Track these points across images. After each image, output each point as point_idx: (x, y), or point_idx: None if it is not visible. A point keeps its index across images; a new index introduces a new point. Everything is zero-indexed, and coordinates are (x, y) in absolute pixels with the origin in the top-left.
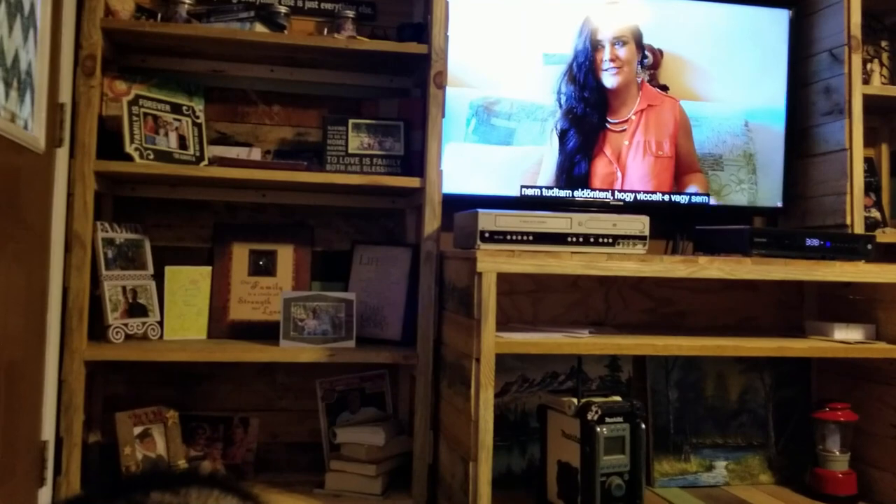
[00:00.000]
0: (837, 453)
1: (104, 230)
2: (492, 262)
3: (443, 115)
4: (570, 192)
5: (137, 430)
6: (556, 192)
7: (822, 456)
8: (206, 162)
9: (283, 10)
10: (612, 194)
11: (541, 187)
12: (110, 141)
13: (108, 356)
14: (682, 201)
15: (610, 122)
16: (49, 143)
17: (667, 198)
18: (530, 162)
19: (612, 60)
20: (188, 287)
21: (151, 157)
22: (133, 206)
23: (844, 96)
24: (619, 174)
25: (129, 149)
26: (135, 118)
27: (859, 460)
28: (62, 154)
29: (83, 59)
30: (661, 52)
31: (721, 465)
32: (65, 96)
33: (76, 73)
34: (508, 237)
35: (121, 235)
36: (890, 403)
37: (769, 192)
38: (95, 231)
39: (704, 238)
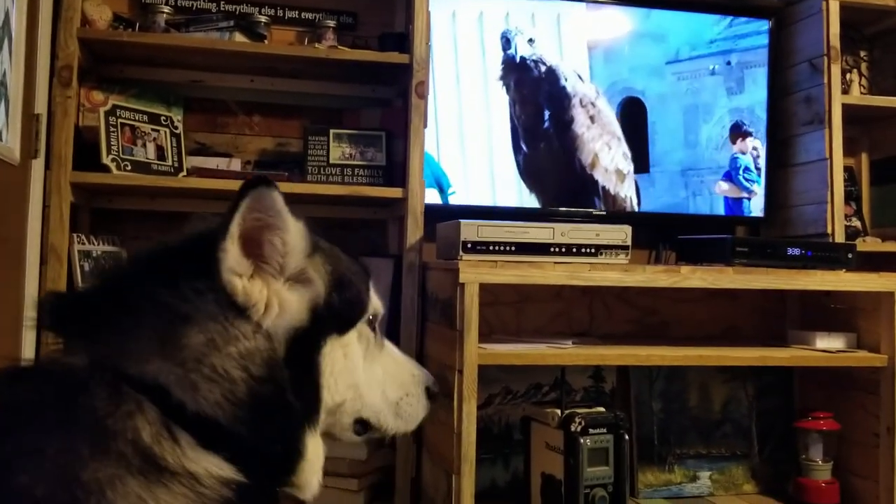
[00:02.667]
0: (820, 462)
1: (81, 242)
2: (474, 273)
3: (425, 125)
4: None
5: None
6: (538, 203)
7: (804, 465)
8: (184, 173)
9: (263, 19)
10: (595, 204)
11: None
12: (87, 152)
13: None
14: (664, 211)
15: None
16: (24, 155)
17: (649, 207)
18: None
19: None
20: None
21: (129, 168)
22: (111, 218)
23: (824, 106)
24: None
25: (106, 160)
26: (112, 129)
27: (842, 469)
28: (38, 165)
29: (59, 69)
30: None
31: (705, 475)
32: (40, 107)
33: (52, 83)
34: (491, 247)
35: (98, 248)
36: (872, 412)
37: None
38: (72, 243)
39: (687, 248)
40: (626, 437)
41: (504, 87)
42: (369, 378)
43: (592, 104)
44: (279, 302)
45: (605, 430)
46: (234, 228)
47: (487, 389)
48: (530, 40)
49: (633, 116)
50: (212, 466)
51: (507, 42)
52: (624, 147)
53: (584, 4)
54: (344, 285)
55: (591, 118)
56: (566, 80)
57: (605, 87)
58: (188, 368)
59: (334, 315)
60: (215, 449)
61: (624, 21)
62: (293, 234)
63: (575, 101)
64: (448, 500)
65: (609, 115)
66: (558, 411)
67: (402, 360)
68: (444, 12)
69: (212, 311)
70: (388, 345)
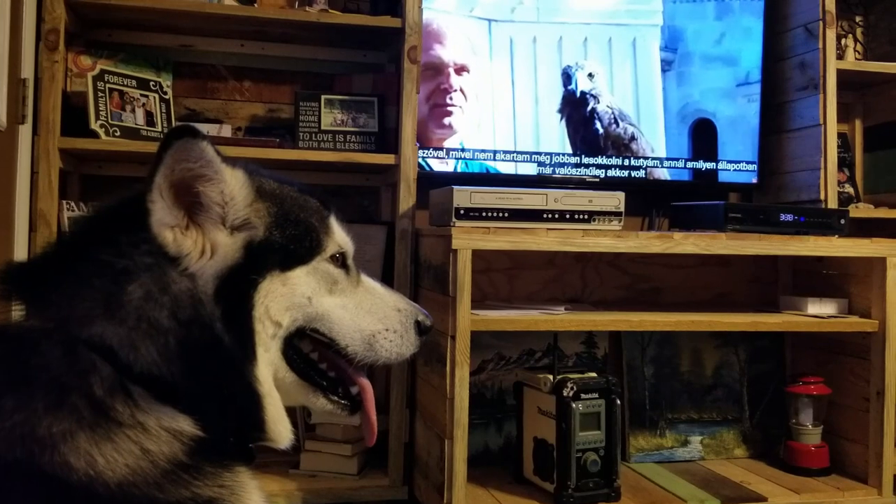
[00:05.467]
0: (810, 426)
1: (70, 209)
2: (467, 240)
3: (417, 91)
4: (545, 168)
5: None
6: (531, 170)
7: (795, 429)
8: None
9: None
10: (588, 170)
11: (517, 163)
12: (75, 117)
13: None
14: (658, 177)
15: None
16: (11, 120)
17: (642, 174)
18: None
19: None
20: None
21: (118, 133)
22: (101, 185)
23: (819, 72)
24: None
25: (95, 125)
26: (100, 94)
27: (832, 433)
28: (25, 131)
29: (46, 33)
30: None
31: (696, 439)
32: (27, 71)
33: (39, 47)
34: (484, 214)
35: None
36: (862, 376)
37: None
38: (61, 210)
39: (680, 214)
40: (618, 401)
41: (560, 119)
42: (334, 309)
43: (625, 146)
44: (212, 247)
45: (596, 395)
46: (160, 179)
47: (480, 355)
48: (590, 75)
49: (704, 137)
50: (164, 418)
51: (567, 78)
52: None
53: (657, 28)
54: (288, 223)
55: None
56: (599, 121)
57: (678, 109)
58: (129, 327)
59: (274, 252)
60: (170, 402)
61: (696, 44)
62: (230, 185)
63: (608, 143)
64: (441, 465)
65: (648, 157)
66: (551, 377)
67: (385, 296)
68: (526, 35)
69: (147, 263)
70: (370, 282)
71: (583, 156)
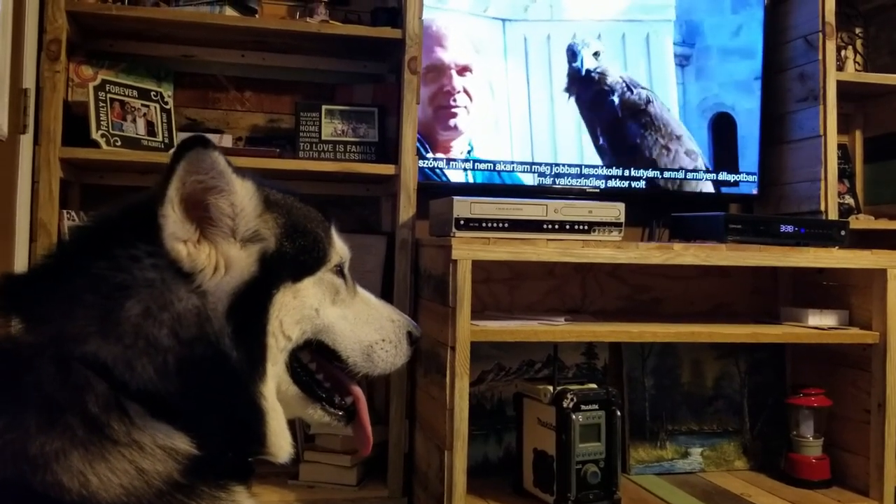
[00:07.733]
0: (811, 438)
1: (71, 219)
2: (467, 250)
3: (417, 102)
4: (546, 179)
5: None
6: (532, 180)
7: (796, 441)
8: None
9: None
10: (589, 181)
11: (519, 174)
12: (77, 127)
13: None
14: (658, 188)
15: None
16: (12, 130)
17: (643, 184)
18: None
19: None
20: None
21: (118, 143)
22: (101, 195)
23: (819, 83)
24: None
25: (96, 135)
26: (101, 104)
27: (833, 445)
28: (26, 141)
29: (47, 43)
30: None
31: (697, 451)
32: (28, 81)
33: (40, 57)
34: (484, 224)
35: None
36: (863, 388)
37: None
38: (62, 219)
39: (680, 225)
40: (618, 413)
41: (568, 98)
42: (337, 320)
43: (643, 111)
44: (226, 261)
45: (597, 407)
46: (173, 192)
47: (480, 366)
48: (596, 54)
49: (724, 131)
50: (160, 435)
51: (572, 55)
52: (687, 145)
53: (671, 24)
54: (297, 234)
55: (644, 126)
56: (613, 92)
57: (697, 103)
58: (125, 344)
59: (286, 264)
60: (167, 419)
61: (714, 38)
62: (241, 196)
63: (625, 113)
64: (440, 476)
65: (665, 117)
66: (551, 388)
67: (379, 306)
68: (540, 34)
69: (148, 278)
70: (364, 293)
71: (583, 166)
